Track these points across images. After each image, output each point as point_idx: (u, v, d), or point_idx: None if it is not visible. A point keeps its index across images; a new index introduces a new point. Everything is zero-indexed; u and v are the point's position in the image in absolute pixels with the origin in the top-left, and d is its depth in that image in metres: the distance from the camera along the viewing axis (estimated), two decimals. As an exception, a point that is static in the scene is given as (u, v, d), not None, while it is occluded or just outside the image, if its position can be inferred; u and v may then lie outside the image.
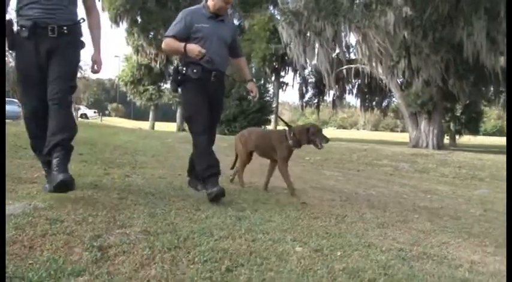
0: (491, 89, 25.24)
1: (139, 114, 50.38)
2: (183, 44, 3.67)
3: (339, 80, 25.29)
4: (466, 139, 33.33)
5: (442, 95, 22.32)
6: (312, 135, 4.26)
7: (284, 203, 3.85)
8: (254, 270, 2.01)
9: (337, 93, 26.96)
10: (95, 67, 3.56)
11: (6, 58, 3.43)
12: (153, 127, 33.80)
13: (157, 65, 33.08)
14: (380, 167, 9.20)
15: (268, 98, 26.49)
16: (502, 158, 12.44)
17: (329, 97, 29.41)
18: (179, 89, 3.97)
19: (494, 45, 19.36)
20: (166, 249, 2.22)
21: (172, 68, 3.99)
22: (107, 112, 63.13)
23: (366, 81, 25.33)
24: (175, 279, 1.86)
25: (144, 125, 34.56)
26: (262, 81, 25.69)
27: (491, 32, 19.25)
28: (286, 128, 4.46)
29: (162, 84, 36.43)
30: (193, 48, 3.63)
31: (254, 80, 4.39)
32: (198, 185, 3.99)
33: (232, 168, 5.01)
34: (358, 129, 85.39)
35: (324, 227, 3.02)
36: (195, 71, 3.75)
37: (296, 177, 5.37)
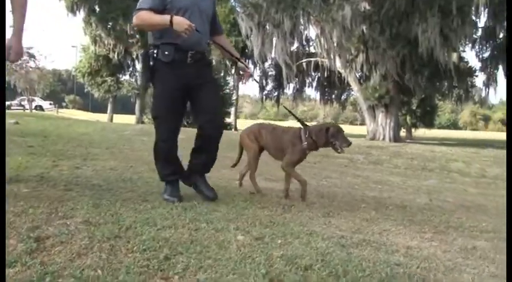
0: (445, 84, 26.05)
1: (98, 107, 49.35)
2: (167, 17, 3.06)
3: (299, 73, 25.53)
4: (422, 132, 34.37)
5: (399, 89, 22.91)
6: (331, 136, 3.69)
7: (233, 194, 3.88)
8: (192, 258, 2.03)
9: (297, 86, 27.24)
10: (11, 55, 2.99)
11: None
12: (111, 120, 33.15)
13: (116, 56, 32.39)
14: (336, 158, 9.37)
15: (228, 91, 26.46)
16: (454, 150, 12.93)
17: (289, 90, 29.67)
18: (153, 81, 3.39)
19: (447, 42, 20.03)
20: (106, 239, 2.20)
21: (140, 53, 3.37)
22: (64, 104, 61.47)
23: (326, 74, 25.66)
24: (111, 268, 1.86)
25: (103, 117, 33.86)
26: (222, 74, 25.61)
27: (444, 29, 19.89)
28: (301, 126, 3.88)
29: (120, 75, 35.73)
30: (182, 21, 3.03)
31: (244, 59, 3.79)
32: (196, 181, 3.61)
33: (233, 166, 4.46)
34: (318, 122, 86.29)
35: (269, 217, 3.06)
36: (166, 53, 3.19)
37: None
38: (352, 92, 27.52)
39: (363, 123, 27.16)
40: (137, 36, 30.74)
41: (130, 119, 32.57)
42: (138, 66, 33.75)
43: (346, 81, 24.04)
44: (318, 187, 5.03)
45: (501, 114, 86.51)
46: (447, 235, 3.22)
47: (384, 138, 21.89)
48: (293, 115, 4.27)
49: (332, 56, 21.96)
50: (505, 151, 14.41)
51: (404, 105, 28.21)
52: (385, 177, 7.58)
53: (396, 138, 22.23)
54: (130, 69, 35.00)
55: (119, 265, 1.89)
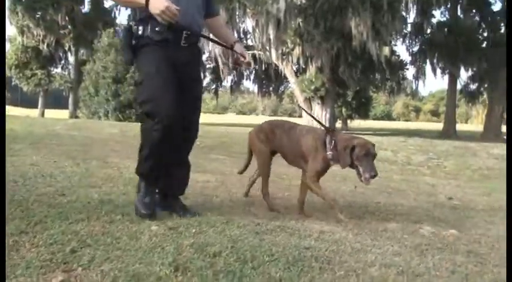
0: (379, 76, 27.03)
1: (28, 101, 46.93)
2: None
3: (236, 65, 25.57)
4: (357, 123, 35.54)
5: (334, 81, 23.53)
6: (356, 159, 2.97)
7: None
8: (100, 250, 2.01)
9: (235, 79, 27.32)
10: None
11: None
12: (42, 115, 31.71)
13: (46, 48, 30.93)
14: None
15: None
16: (385, 140, 13.41)
17: (227, 83, 29.71)
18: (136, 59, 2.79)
19: (379, 36, 20.78)
20: (10, 235, 2.13)
21: (120, 29, 2.57)
22: (-10, 98, 58.05)
23: (263, 67, 25.89)
24: (11, 263, 1.81)
25: (33, 112, 32.32)
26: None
27: (376, 23, 20.64)
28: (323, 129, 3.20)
29: (52, 68, 34.17)
30: (159, 1, 2.50)
31: (241, 42, 3.36)
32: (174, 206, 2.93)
33: (241, 172, 3.87)
34: (257, 115, 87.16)
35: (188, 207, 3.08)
36: (157, 29, 2.64)
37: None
38: (289, 85, 27.93)
39: (300, 115, 27.71)
40: (69, 27, 29.55)
41: (63, 114, 31.32)
42: (71, 58, 32.50)
43: (283, 74, 24.37)
44: (243, 177, 5.08)
45: (431, 105, 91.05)
46: (362, 219, 3.38)
47: (320, 130, 22.44)
48: (314, 119, 3.63)
49: (268, 49, 22.18)
50: (432, 140, 15.15)
51: (340, 97, 29.02)
52: (315, 166, 7.77)
53: (332, 130, 22.85)
54: (63, 61, 33.63)
55: (20, 260, 1.85)
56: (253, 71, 28.02)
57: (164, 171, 2.83)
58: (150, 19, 2.60)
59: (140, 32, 2.68)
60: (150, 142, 2.68)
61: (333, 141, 3.03)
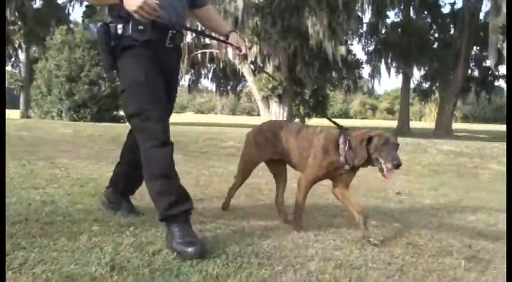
0: (335, 75, 27.50)
1: (-23, 100, 45.10)
2: None
3: (194, 64, 25.43)
4: (315, 121, 36.01)
5: (291, 80, 23.75)
6: (374, 150, 2.57)
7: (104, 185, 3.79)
8: (34, 252, 1.97)
9: (193, 77, 27.15)
10: None
11: None
12: (-8, 114, 30.47)
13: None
14: (225, 148, 9.52)
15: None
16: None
17: (185, 82, 29.50)
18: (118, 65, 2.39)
19: (334, 35, 21.13)
20: None
21: (97, 28, 2.35)
22: None
23: (221, 66, 25.85)
24: None
25: (-18, 112, 30.98)
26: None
27: (332, 23, 20.98)
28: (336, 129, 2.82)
29: (2, 66, 32.92)
30: None
31: (237, 31, 2.82)
32: (121, 203, 2.84)
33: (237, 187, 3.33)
34: (216, 114, 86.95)
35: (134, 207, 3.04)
36: (140, 28, 2.30)
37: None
38: (247, 83, 27.99)
39: (259, 114, 27.82)
40: (19, 23, 28.54)
41: (15, 114, 30.22)
42: (22, 56, 31.39)
43: (240, 73, 24.41)
44: (197, 176, 5.07)
45: (386, 103, 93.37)
46: (310, 215, 3.44)
47: (278, 128, 22.65)
48: (329, 119, 3.00)
49: (225, 47, 22.16)
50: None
51: (298, 95, 29.29)
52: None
53: (290, 128, 23.10)
54: (13, 59, 32.42)
55: None
56: (211, 70, 27.97)
57: (125, 170, 2.75)
58: (130, 16, 2.23)
59: (120, 31, 2.31)
60: (153, 166, 2.28)
61: (348, 141, 2.65)
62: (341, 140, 2.68)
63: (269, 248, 2.34)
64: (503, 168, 12.20)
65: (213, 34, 2.94)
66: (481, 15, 26.78)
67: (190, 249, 2.05)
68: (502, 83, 30.46)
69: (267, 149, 2.95)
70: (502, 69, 27.15)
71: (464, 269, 2.26)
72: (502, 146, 15.56)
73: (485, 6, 25.65)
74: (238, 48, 2.62)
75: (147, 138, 2.25)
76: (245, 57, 2.67)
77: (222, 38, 2.74)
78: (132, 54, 2.32)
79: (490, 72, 28.42)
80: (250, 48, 23.00)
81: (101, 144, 8.49)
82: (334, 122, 2.89)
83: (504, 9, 19.51)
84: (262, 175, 5.99)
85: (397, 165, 2.51)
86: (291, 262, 2.13)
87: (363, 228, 2.73)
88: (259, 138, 2.99)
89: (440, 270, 2.25)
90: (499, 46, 21.82)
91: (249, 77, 24.12)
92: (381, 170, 2.56)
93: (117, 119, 19.78)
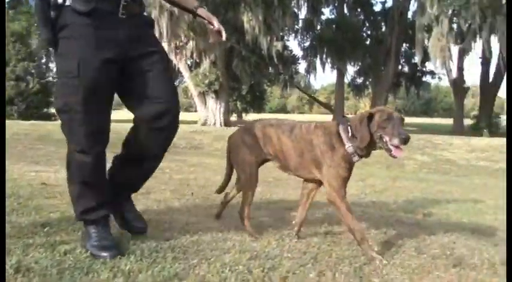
0: (272, 70, 27.81)
1: None
2: None
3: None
4: (253, 117, 36.30)
5: (228, 76, 23.80)
6: (378, 127, 2.27)
7: (24, 185, 3.66)
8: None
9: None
10: None
11: None
12: None
13: None
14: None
15: (51, 78, 24.50)
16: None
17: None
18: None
19: (270, 31, 21.39)
20: None
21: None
22: None
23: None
24: None
25: None
26: (44, 59, 23.66)
27: (268, 19, 21.22)
28: (334, 121, 2.60)
29: None
30: None
31: (205, 7, 2.39)
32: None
33: (219, 191, 3.05)
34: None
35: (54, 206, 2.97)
36: None
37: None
38: (184, 79, 27.68)
39: (196, 110, 27.67)
40: None
41: None
42: None
43: (177, 68, 24.12)
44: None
45: (323, 98, 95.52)
46: (234, 209, 3.49)
47: (214, 124, 22.64)
48: (326, 107, 2.53)
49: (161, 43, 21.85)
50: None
51: (235, 91, 29.39)
52: (203, 160, 7.86)
53: (227, 123, 23.16)
54: None
55: None
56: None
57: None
58: None
59: (60, 1, 1.96)
60: (73, 172, 2.13)
61: (349, 127, 2.36)
62: (341, 128, 2.39)
63: (187, 242, 2.36)
64: (427, 159, 12.93)
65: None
66: (409, 14, 28.06)
67: (105, 254, 1.98)
68: (429, 79, 32.22)
69: (258, 150, 2.61)
70: (429, 66, 28.67)
71: (376, 254, 2.37)
72: (428, 138, 16.48)
73: (413, 6, 26.83)
74: (211, 23, 2.30)
75: (70, 140, 2.07)
76: (219, 33, 2.31)
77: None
78: (68, 36, 1.97)
79: (417, 68, 29.92)
80: (186, 44, 22.82)
81: (26, 143, 8.13)
82: (328, 108, 2.44)
83: (428, 10, 20.55)
84: (193, 170, 6.01)
85: (405, 140, 2.21)
86: (207, 255, 2.16)
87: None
88: (248, 138, 2.63)
89: (352, 257, 2.36)
90: (424, 44, 22.98)
91: (185, 72, 23.91)
92: (388, 149, 2.26)
93: (47, 117, 18.99)
